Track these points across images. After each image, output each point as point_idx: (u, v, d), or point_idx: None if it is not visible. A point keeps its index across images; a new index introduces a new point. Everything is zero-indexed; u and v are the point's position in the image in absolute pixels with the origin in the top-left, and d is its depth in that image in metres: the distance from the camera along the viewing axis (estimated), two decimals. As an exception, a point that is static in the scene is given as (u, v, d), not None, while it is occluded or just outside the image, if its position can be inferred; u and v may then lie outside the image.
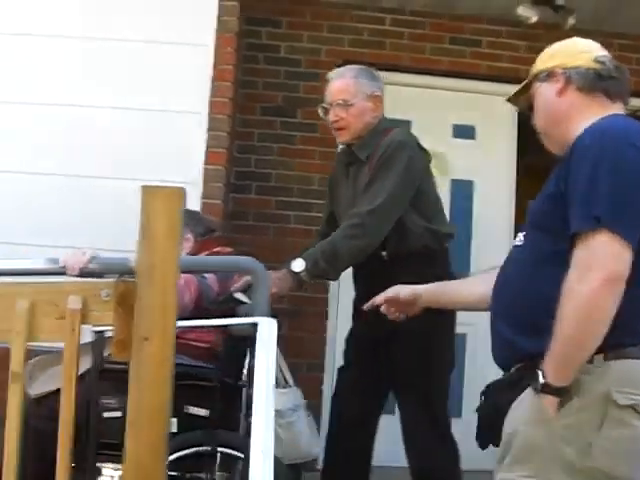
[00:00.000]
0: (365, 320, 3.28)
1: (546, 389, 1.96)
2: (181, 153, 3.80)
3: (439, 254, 3.49)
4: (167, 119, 3.91)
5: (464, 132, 5.56)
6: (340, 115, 3.61)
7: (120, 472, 2.94)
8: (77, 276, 2.57)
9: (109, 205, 3.73)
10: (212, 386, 2.91)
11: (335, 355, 5.03)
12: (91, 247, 2.66)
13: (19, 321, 1.88)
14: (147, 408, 1.73)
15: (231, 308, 2.86)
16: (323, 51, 5.39)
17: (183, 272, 1.84)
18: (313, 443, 3.27)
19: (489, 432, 2.12)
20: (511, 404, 2.05)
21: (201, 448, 2.88)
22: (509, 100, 2.42)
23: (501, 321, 2.14)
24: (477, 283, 2.48)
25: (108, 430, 2.59)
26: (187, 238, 3.38)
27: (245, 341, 3.08)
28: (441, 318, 3.17)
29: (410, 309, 2.60)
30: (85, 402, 2.82)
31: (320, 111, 3.74)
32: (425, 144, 3.60)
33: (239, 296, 2.89)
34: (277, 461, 2.87)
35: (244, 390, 3.08)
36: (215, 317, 2.76)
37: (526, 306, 2.08)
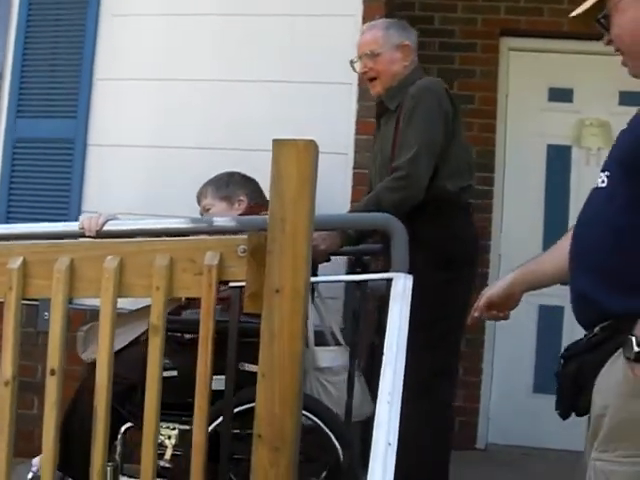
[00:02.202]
0: None
1: None
2: (331, 123, 3.81)
3: (456, 209, 3.36)
4: (318, 90, 3.93)
5: (632, 99, 5.31)
6: (368, 65, 3.59)
7: (176, 431, 3.12)
8: (94, 237, 2.80)
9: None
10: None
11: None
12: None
13: (159, 277, 1.93)
14: (279, 359, 1.74)
15: None
16: (479, 20, 5.26)
17: (320, 228, 1.85)
18: (365, 402, 3.17)
19: (571, 399, 1.93)
20: (596, 368, 1.85)
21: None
22: (575, 16, 2.13)
23: (583, 275, 1.93)
24: (558, 253, 2.21)
25: (164, 389, 2.61)
26: (241, 200, 3.56)
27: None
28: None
29: (511, 303, 2.41)
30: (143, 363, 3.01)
31: (350, 65, 3.68)
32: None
33: None
34: (337, 416, 2.95)
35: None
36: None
37: (616, 260, 1.86)
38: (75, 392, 3.20)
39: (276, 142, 1.83)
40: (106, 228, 2.82)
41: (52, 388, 2.06)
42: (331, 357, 3.12)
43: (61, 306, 2.05)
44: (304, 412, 2.93)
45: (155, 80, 4.31)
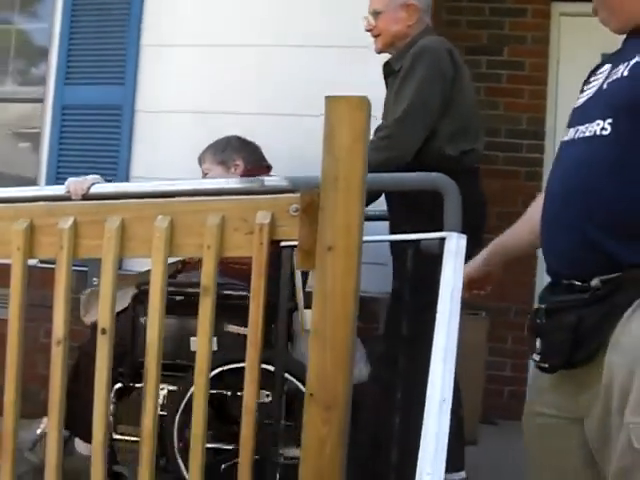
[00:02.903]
0: None
1: None
2: (375, 89, 3.75)
3: (456, 172, 3.17)
4: (359, 55, 3.88)
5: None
6: (372, 24, 3.58)
7: (164, 392, 3.28)
8: (80, 200, 2.88)
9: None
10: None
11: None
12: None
13: (210, 236, 1.92)
14: (331, 318, 1.72)
15: None
16: (530, -15, 5.17)
17: (371, 188, 1.83)
18: (362, 367, 3.16)
19: (569, 353, 1.83)
20: (601, 322, 1.78)
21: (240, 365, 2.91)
22: None
23: (586, 224, 1.82)
24: (533, 217, 2.11)
25: None
26: (237, 164, 3.61)
27: (291, 262, 3.10)
28: None
29: (492, 278, 2.35)
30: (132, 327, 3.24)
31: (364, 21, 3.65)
32: None
33: None
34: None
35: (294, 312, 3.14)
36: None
37: (631, 209, 1.77)
38: (78, 353, 3.29)
39: (328, 98, 1.80)
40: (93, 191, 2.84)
41: (103, 347, 2.07)
42: None
43: (112, 265, 2.04)
44: (288, 376, 3.02)
45: (202, 45, 4.30)
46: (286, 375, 3.07)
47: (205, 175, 3.62)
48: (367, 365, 3.09)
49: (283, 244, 1.91)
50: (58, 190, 2.84)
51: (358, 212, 1.75)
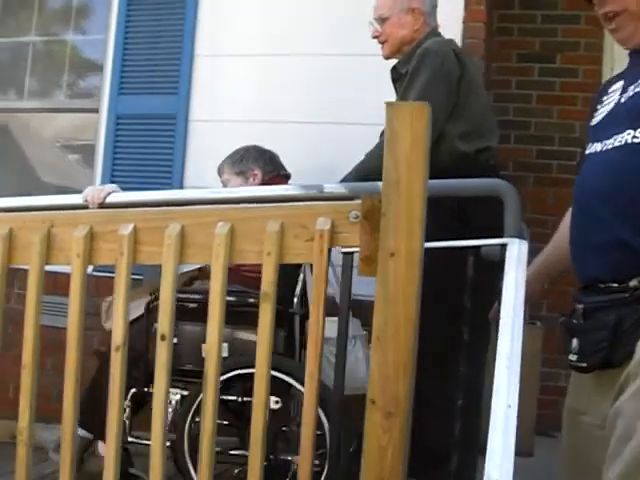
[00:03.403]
0: None
1: None
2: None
3: (471, 170, 3.12)
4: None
5: None
6: (378, 30, 3.60)
7: (177, 397, 3.36)
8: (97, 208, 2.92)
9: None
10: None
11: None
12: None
13: (270, 242, 1.92)
14: (393, 323, 1.72)
15: None
16: (583, -9, 5.11)
17: (430, 195, 1.84)
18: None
19: (609, 351, 1.86)
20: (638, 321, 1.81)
21: (249, 370, 2.94)
22: None
23: (624, 225, 1.87)
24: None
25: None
26: (255, 174, 3.69)
27: (298, 269, 3.19)
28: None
29: (535, 295, 2.35)
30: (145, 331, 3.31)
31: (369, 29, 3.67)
32: None
33: None
34: (327, 389, 2.85)
35: (296, 317, 3.26)
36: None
37: None
38: (100, 360, 3.40)
39: (390, 105, 1.80)
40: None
41: (162, 353, 2.08)
42: (333, 329, 3.13)
43: (171, 272, 2.06)
44: (289, 379, 3.06)
45: (255, 55, 4.33)
46: (292, 382, 3.13)
47: (224, 186, 3.71)
48: None
49: (343, 251, 1.89)
50: (118, 197, 2.87)
51: (420, 217, 1.74)
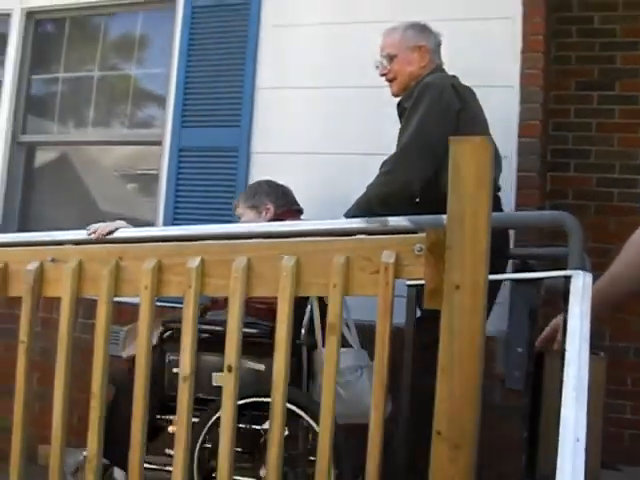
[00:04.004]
0: None
1: None
2: (493, 127, 3.75)
3: None
4: (479, 93, 3.88)
5: None
6: (387, 67, 3.68)
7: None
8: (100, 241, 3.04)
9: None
10: (268, 343, 2.95)
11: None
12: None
13: (336, 275, 1.95)
14: (458, 355, 1.74)
15: None
16: (641, 18, 5.09)
17: (494, 227, 1.87)
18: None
19: None
20: None
21: (257, 399, 2.97)
22: None
23: None
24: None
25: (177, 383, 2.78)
26: (267, 208, 3.80)
27: (305, 301, 3.25)
28: None
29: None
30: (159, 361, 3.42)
31: (376, 69, 3.76)
32: None
33: None
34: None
35: (303, 348, 3.33)
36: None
37: None
38: (115, 390, 3.48)
39: (452, 139, 1.84)
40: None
41: (230, 384, 2.12)
42: (342, 359, 3.18)
43: (239, 304, 2.10)
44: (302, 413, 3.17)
45: (316, 88, 4.38)
46: (300, 412, 3.17)
47: (239, 219, 3.85)
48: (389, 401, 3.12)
49: (408, 283, 1.92)
50: (184, 230, 2.93)
51: (484, 250, 1.77)
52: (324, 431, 1.99)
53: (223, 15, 4.77)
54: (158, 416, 3.54)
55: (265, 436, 3.20)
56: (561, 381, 1.78)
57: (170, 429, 3.47)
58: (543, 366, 3.00)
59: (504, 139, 3.95)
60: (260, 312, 3.23)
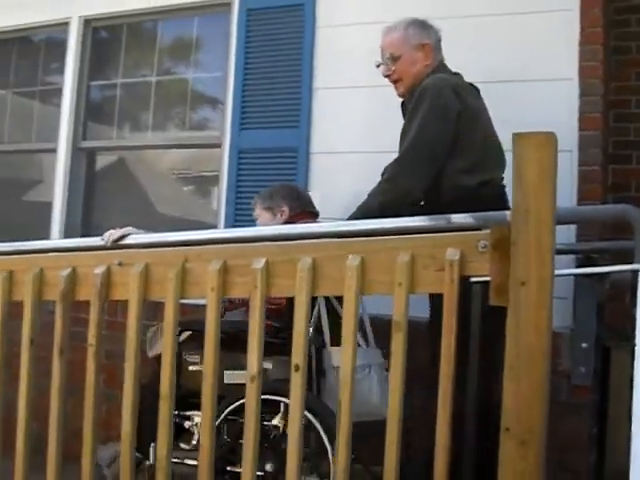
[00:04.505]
0: None
1: None
2: (553, 121, 3.71)
3: (475, 204, 3.00)
4: (536, 88, 3.87)
5: None
6: (391, 68, 3.63)
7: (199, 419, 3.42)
8: (108, 248, 3.09)
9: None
10: (275, 342, 2.93)
11: None
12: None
13: (401, 273, 1.97)
14: (525, 351, 1.74)
15: None
16: None
17: (565, 220, 1.88)
18: (385, 402, 3.12)
19: None
20: None
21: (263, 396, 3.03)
22: None
23: None
24: None
25: (192, 381, 2.97)
26: (282, 210, 3.94)
27: (313, 301, 3.14)
28: None
29: None
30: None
31: (377, 68, 3.71)
32: None
33: None
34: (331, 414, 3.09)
35: (312, 347, 3.38)
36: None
37: None
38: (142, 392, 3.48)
39: (516, 135, 1.83)
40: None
41: (297, 384, 2.14)
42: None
43: (305, 304, 2.12)
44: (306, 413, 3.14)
45: (373, 86, 4.36)
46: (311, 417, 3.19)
47: (256, 220, 3.97)
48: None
49: (473, 280, 1.92)
50: (249, 232, 2.95)
51: (550, 246, 1.76)
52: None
53: (278, 17, 4.79)
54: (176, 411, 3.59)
55: (274, 432, 3.29)
56: (631, 377, 1.77)
57: (186, 424, 3.57)
58: (610, 362, 2.99)
59: (565, 133, 3.90)
60: (271, 313, 3.25)
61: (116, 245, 3.34)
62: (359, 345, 3.42)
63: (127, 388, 2.42)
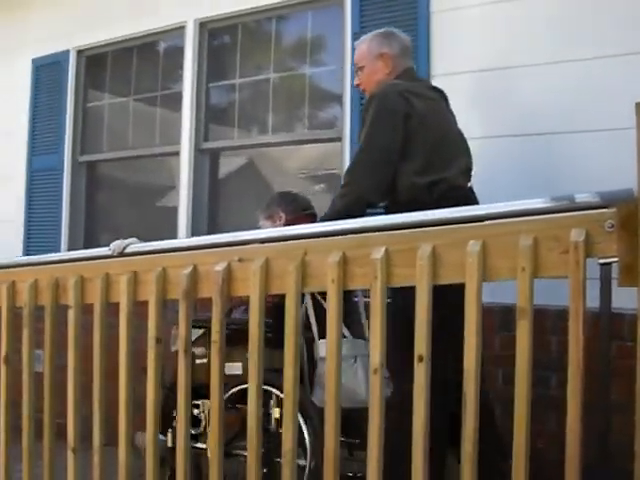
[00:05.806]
0: None
1: None
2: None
3: (431, 205, 2.86)
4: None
5: None
6: (358, 79, 3.90)
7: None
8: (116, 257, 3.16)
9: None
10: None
11: None
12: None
13: (524, 257, 1.90)
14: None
15: None
16: None
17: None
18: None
19: None
20: None
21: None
22: None
23: None
24: None
25: (197, 374, 3.01)
26: (280, 216, 4.19)
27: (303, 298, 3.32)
28: None
29: None
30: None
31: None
32: None
33: None
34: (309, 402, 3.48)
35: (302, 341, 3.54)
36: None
37: None
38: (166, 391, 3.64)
39: (638, 105, 1.74)
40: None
41: (421, 375, 2.10)
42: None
43: (426, 292, 2.07)
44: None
45: (491, 70, 4.30)
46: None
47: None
48: (389, 384, 3.09)
49: (601, 262, 1.84)
50: (367, 222, 2.92)
51: (681, 222, 1.67)
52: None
53: (391, 6, 4.74)
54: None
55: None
56: None
57: (195, 412, 3.78)
58: None
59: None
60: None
61: (238, 241, 3.41)
62: (344, 336, 3.48)
63: (251, 383, 2.43)
